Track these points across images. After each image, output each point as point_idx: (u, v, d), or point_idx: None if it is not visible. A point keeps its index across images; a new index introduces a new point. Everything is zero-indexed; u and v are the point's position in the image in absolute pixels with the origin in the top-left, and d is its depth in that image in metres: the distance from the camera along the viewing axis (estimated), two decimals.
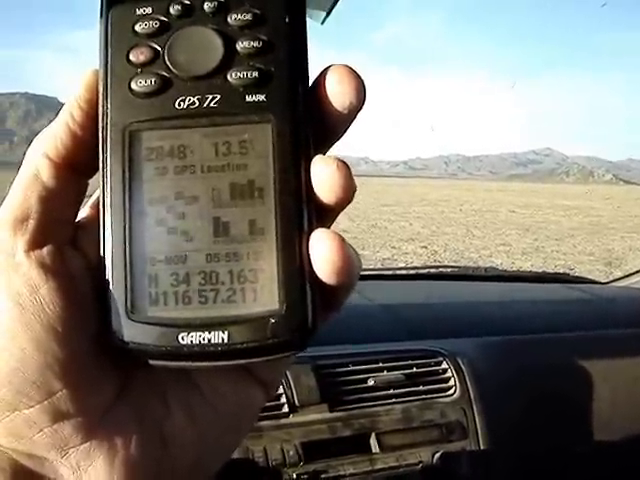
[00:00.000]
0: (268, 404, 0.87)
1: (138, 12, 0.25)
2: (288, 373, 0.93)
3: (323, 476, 0.91)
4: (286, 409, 0.92)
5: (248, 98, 0.24)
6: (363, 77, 0.24)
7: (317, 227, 0.23)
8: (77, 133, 0.24)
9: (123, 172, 0.24)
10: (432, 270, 1.88)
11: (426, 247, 7.62)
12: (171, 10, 0.24)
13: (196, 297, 0.23)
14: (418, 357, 1.05)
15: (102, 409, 0.23)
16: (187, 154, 0.24)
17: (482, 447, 1.00)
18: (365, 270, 1.74)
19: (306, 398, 0.94)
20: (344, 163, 0.23)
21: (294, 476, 0.89)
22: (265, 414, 0.90)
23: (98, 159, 0.24)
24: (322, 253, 0.23)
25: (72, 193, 0.25)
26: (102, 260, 0.24)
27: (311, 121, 0.24)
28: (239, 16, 0.24)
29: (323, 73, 0.24)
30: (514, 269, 5.66)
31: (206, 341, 0.23)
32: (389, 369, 1.02)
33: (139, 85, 0.24)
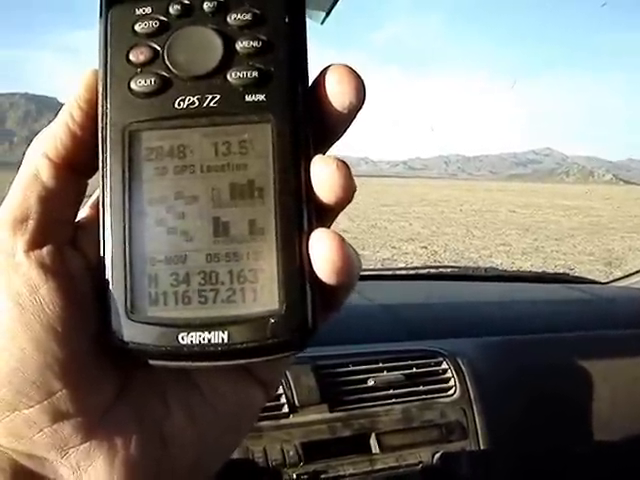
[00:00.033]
0: (268, 404, 0.87)
1: (138, 12, 0.25)
2: (288, 373, 0.93)
3: (323, 476, 0.91)
4: (286, 409, 0.92)
5: (248, 98, 0.24)
6: (363, 77, 0.24)
7: (317, 227, 0.23)
8: (77, 133, 0.24)
9: (123, 172, 0.24)
10: (432, 270, 1.88)
11: (426, 247, 7.62)
12: (171, 10, 0.24)
13: (196, 297, 0.23)
14: (418, 357, 1.05)
15: (102, 409, 0.23)
16: (187, 154, 0.24)
17: (482, 447, 1.00)
18: (365, 270, 1.74)
19: (306, 398, 0.94)
20: (344, 163, 0.23)
21: (294, 476, 0.89)
22: (265, 414, 0.90)
23: (98, 159, 0.24)
24: (322, 253, 0.23)
25: (72, 193, 0.25)
26: (102, 260, 0.24)
27: (311, 121, 0.24)
28: (239, 16, 0.24)
29: (323, 73, 0.24)
30: (514, 269, 5.67)
31: (206, 341, 0.23)
32: (389, 369, 1.02)
33: (139, 85, 0.24)
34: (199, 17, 0.24)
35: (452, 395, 1.03)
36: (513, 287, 1.56)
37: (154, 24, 0.24)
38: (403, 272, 1.94)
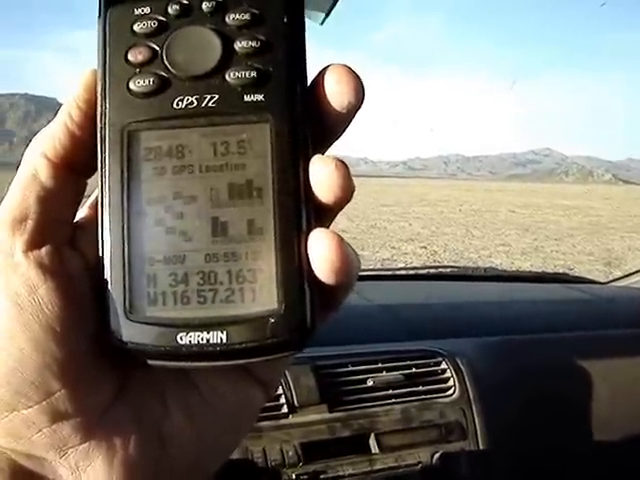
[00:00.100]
0: (267, 404, 0.87)
1: (136, 12, 0.25)
2: (287, 373, 0.93)
3: (322, 476, 0.91)
4: (285, 409, 0.92)
5: (246, 98, 0.24)
6: (362, 77, 0.24)
7: (316, 227, 0.23)
8: (75, 133, 0.24)
9: (121, 172, 0.24)
10: (432, 270, 1.88)
11: (425, 247, 7.62)
12: (169, 10, 0.24)
13: (195, 297, 0.23)
14: (417, 357, 1.05)
15: (101, 409, 0.23)
16: (185, 154, 0.24)
17: (481, 447, 1.00)
18: (364, 270, 1.74)
19: (305, 398, 0.94)
20: (343, 163, 0.23)
21: (293, 476, 0.89)
22: (264, 414, 0.90)
23: (96, 159, 0.24)
24: (321, 253, 0.22)
25: (71, 193, 0.25)
26: (101, 260, 0.24)
27: (309, 121, 0.24)
28: (237, 16, 0.24)
29: (322, 73, 0.24)
30: (513, 269, 5.67)
31: (205, 341, 0.23)
32: (388, 369, 1.02)
33: (137, 85, 0.24)
34: (198, 17, 0.24)
35: (451, 395, 1.03)
36: (512, 287, 1.56)
37: (153, 24, 0.24)
38: (402, 272, 1.94)
